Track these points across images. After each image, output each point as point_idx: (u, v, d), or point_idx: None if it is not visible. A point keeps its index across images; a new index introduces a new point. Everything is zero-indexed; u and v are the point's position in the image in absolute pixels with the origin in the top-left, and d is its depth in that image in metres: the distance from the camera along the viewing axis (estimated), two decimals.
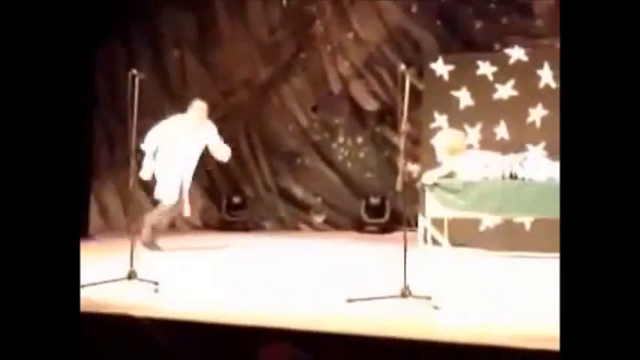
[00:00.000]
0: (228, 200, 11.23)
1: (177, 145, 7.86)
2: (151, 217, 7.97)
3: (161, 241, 8.06)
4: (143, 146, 7.66)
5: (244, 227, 10.92)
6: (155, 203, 8.08)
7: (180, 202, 7.88)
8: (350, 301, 5.27)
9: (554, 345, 4.22)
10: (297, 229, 10.92)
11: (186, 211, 7.99)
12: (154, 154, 7.72)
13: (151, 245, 7.82)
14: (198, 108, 7.98)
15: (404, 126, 5.47)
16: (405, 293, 5.35)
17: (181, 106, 8.15)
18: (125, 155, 5.39)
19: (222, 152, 7.98)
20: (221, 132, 8.06)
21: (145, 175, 7.73)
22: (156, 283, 5.53)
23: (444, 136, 7.06)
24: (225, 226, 11.01)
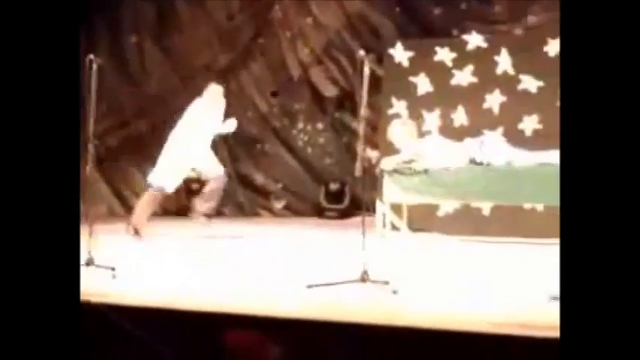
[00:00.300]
0: (187, 186, 11.18)
1: (191, 132, 7.74)
2: (149, 204, 7.87)
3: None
4: None
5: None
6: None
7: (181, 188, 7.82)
8: (310, 286, 5.28)
9: (513, 329, 4.27)
10: (256, 214, 10.91)
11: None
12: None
13: (138, 231, 7.74)
14: (213, 91, 7.85)
15: (363, 112, 5.48)
16: (364, 278, 5.38)
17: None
18: (83, 141, 5.35)
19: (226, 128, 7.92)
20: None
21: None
22: (113, 269, 5.51)
23: (396, 126, 7.07)
24: (183, 212, 10.96)
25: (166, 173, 7.78)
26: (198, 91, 8.07)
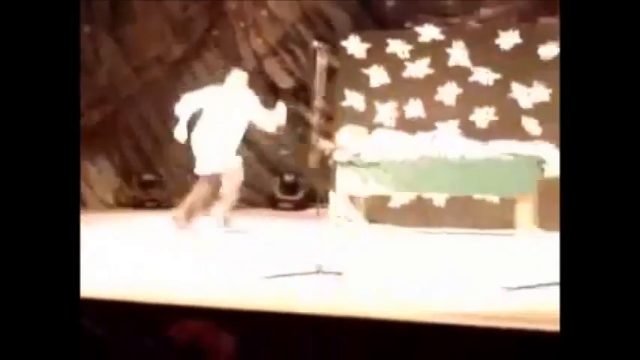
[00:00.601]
0: (140, 178, 11.12)
1: (216, 118, 7.59)
2: (191, 195, 7.76)
3: None
4: (177, 110, 7.46)
5: (157, 205, 10.82)
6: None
7: (220, 175, 7.65)
8: (265, 277, 5.29)
9: (467, 320, 4.30)
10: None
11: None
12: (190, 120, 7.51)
13: (182, 222, 7.63)
14: (237, 77, 7.74)
15: (317, 103, 5.49)
16: (318, 269, 5.39)
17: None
18: None
19: (267, 123, 7.70)
20: (134, 109, 7.94)
21: (180, 136, 7.55)
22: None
23: (345, 133, 7.08)
24: (138, 205, 10.91)
25: (212, 157, 7.67)
26: (150, 82, 7.97)
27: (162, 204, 10.83)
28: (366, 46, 8.76)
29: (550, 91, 8.00)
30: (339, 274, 5.32)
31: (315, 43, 5.47)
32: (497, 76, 8.25)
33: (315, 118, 5.53)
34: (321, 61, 5.59)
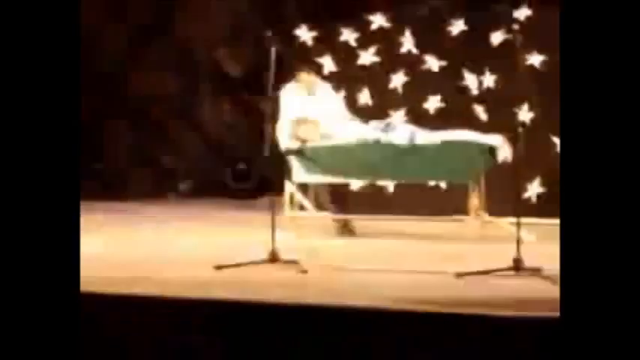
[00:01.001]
0: (90, 169, 11.00)
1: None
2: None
3: None
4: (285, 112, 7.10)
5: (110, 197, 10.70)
6: None
7: None
8: (219, 267, 5.29)
9: (420, 306, 4.35)
10: (163, 197, 10.77)
11: None
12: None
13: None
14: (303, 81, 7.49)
15: (270, 92, 5.50)
16: (273, 258, 5.41)
17: None
18: None
19: None
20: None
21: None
22: None
23: (295, 126, 7.05)
24: (89, 196, 10.78)
25: None
26: (100, 73, 7.84)
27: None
28: (317, 34, 8.75)
29: (497, 78, 8.07)
30: (294, 262, 5.34)
31: (268, 33, 5.47)
32: (447, 63, 8.30)
33: (267, 107, 5.54)
34: (273, 49, 5.60)
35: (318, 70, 7.42)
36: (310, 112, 7.15)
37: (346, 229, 7.13)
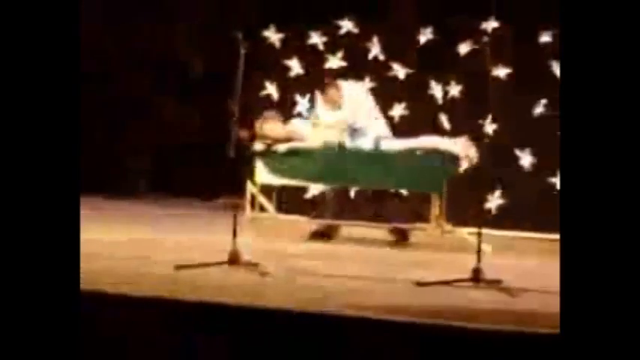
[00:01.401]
0: None
1: None
2: None
3: None
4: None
5: None
6: None
7: None
8: (178, 267, 5.26)
9: (378, 313, 4.36)
10: (122, 196, 10.62)
11: None
12: None
13: None
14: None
15: (238, 93, 5.49)
16: (234, 260, 5.39)
17: None
18: None
19: None
20: None
21: None
22: None
23: (263, 124, 7.05)
24: None
25: None
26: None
27: None
28: (286, 36, 8.76)
29: (461, 87, 8.12)
30: (255, 265, 5.33)
31: (236, 33, 5.45)
32: (413, 71, 8.33)
33: (235, 108, 5.52)
34: (242, 50, 5.58)
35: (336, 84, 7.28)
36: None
37: (323, 235, 7.11)
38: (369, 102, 7.31)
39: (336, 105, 7.10)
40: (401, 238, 7.03)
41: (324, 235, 7.06)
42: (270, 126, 6.79)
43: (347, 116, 7.01)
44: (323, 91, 7.21)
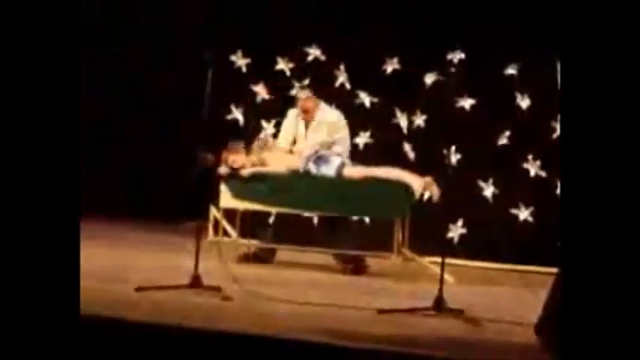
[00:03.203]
0: None
1: None
2: None
3: None
4: None
5: None
6: None
7: None
8: (139, 289, 5.22)
9: (340, 340, 4.36)
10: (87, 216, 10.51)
11: None
12: None
13: None
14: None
15: (205, 115, 5.49)
16: (195, 283, 5.36)
17: None
18: None
19: None
20: None
21: None
22: None
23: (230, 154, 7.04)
24: None
25: None
26: None
27: None
28: (253, 61, 8.77)
29: (425, 117, 8.17)
30: (218, 289, 5.30)
31: (206, 55, 5.46)
32: (379, 100, 8.37)
33: (200, 131, 5.51)
34: (210, 73, 5.59)
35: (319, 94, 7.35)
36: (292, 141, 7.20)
37: (258, 257, 7.10)
38: (346, 131, 7.33)
39: (309, 116, 7.11)
40: (356, 268, 7.00)
41: (262, 258, 7.07)
42: (234, 157, 6.78)
43: (324, 138, 7.03)
44: (300, 102, 7.24)
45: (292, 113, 7.34)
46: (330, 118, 7.21)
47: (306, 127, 7.19)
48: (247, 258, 7.05)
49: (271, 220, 8.17)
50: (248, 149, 6.98)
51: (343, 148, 7.15)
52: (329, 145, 7.02)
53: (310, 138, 7.10)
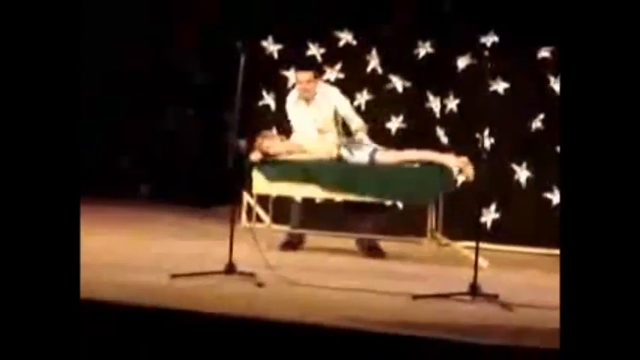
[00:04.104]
0: None
1: None
2: None
3: None
4: None
5: None
6: None
7: None
8: (174, 276, 5.25)
9: (375, 326, 4.35)
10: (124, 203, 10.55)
11: None
12: None
13: None
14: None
15: (237, 102, 5.49)
16: (230, 269, 5.38)
17: None
18: None
19: None
20: None
21: None
22: None
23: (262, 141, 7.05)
24: None
25: None
26: None
27: None
28: (285, 47, 8.76)
29: (458, 101, 8.13)
30: (252, 275, 5.32)
31: (238, 43, 5.46)
32: (411, 84, 8.34)
33: (233, 117, 5.51)
34: (242, 60, 5.59)
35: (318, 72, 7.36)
36: (307, 124, 7.16)
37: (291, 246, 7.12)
38: (346, 103, 7.34)
39: (309, 93, 7.12)
40: (376, 254, 6.99)
41: (293, 245, 7.08)
42: (269, 143, 6.78)
43: (327, 113, 7.06)
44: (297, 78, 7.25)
45: (291, 97, 7.33)
46: (329, 92, 7.24)
47: (307, 105, 7.19)
48: (288, 245, 7.07)
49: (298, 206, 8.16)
50: (281, 137, 6.99)
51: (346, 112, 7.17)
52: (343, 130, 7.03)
53: (313, 114, 7.12)
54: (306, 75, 7.15)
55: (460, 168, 6.57)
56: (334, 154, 6.84)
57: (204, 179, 10.14)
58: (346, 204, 7.27)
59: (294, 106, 7.23)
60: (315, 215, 7.69)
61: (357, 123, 7.12)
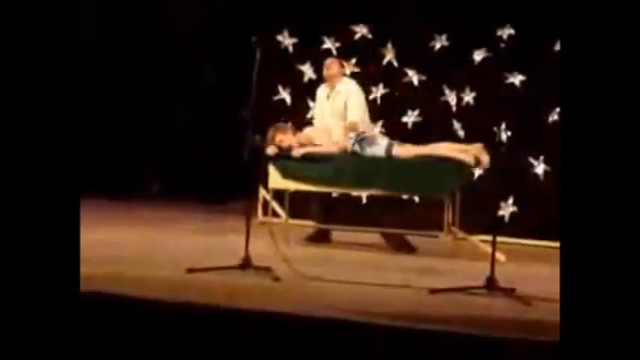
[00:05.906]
0: None
1: None
2: None
3: None
4: None
5: None
6: None
7: None
8: (190, 270, 5.26)
9: (392, 320, 4.34)
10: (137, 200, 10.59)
11: None
12: None
13: None
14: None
15: (253, 97, 5.48)
16: (246, 264, 5.38)
17: None
18: None
19: None
20: None
21: None
22: None
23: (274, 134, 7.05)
24: None
25: None
26: None
27: None
28: (299, 41, 8.75)
29: (474, 94, 8.09)
30: (268, 269, 5.32)
31: (253, 38, 5.45)
32: (427, 78, 8.31)
33: (248, 112, 5.51)
34: (258, 55, 5.59)
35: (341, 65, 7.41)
36: (326, 115, 7.22)
37: (319, 239, 7.13)
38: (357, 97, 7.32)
39: (332, 82, 7.17)
40: (406, 249, 7.00)
41: (319, 239, 7.09)
42: (282, 137, 6.76)
43: (340, 106, 7.08)
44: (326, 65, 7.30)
45: (321, 88, 7.37)
46: (349, 86, 7.24)
47: (328, 97, 7.24)
48: (313, 238, 7.09)
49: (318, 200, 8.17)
50: (295, 129, 6.98)
51: (356, 115, 7.11)
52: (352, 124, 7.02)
53: (330, 105, 7.17)
54: (334, 64, 7.26)
55: (476, 157, 6.51)
56: (347, 147, 6.81)
57: (218, 175, 10.14)
58: (369, 199, 7.28)
59: (319, 96, 7.28)
60: (337, 210, 7.70)
61: (348, 120, 7.07)
